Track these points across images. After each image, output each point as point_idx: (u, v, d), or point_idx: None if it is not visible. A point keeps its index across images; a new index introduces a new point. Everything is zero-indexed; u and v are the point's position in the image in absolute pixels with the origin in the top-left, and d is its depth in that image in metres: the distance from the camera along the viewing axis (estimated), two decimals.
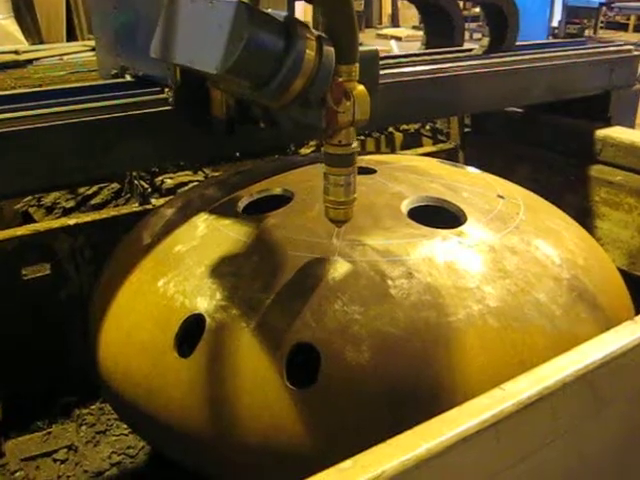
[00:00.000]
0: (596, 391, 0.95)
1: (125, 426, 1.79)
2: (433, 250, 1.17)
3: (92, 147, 1.30)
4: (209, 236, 1.27)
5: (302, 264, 1.14)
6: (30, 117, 1.23)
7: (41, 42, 5.69)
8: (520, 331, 1.10)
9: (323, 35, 1.01)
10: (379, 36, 11.68)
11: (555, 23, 10.63)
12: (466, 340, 1.06)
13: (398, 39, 10.67)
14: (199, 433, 1.07)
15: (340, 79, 1.03)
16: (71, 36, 6.08)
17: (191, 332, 1.12)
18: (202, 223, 1.31)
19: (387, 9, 14.33)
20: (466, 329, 1.07)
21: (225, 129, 1.35)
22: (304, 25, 1.00)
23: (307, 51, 0.98)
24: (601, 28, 11.57)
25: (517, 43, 2.03)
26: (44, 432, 1.79)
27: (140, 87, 1.37)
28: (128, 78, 1.46)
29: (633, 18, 12.49)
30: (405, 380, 1.02)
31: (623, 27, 12.63)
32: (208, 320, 1.10)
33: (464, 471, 0.80)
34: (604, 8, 11.14)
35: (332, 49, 1.01)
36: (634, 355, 0.97)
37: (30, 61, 3.52)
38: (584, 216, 2.08)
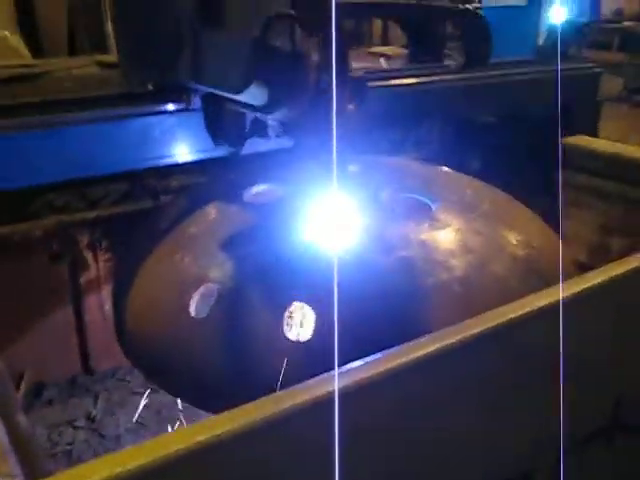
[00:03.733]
0: (519, 341, 1.14)
1: (139, 398, 1.99)
2: (408, 230, 1.39)
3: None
4: (220, 220, 1.49)
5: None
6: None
7: (44, 58, 5.87)
8: (480, 296, 1.32)
9: None
10: (370, 54, 11.97)
11: (542, 42, 10.98)
12: (435, 301, 1.28)
13: (387, 56, 10.94)
14: (216, 382, 1.29)
15: None
16: (72, 52, 6.25)
17: (205, 296, 1.33)
18: (213, 210, 1.53)
19: (378, 29, 14.64)
20: (435, 293, 1.29)
21: (238, 143, 1.58)
22: (313, 52, 1.21)
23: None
24: (586, 47, 11.87)
25: (500, 60, 2.26)
26: (65, 404, 2.00)
27: (162, 95, 1.59)
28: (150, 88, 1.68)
29: (617, 38, 12.82)
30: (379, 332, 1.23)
31: (607, 46, 12.95)
32: (219, 286, 1.32)
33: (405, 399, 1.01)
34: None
35: None
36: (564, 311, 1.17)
37: (39, 75, 3.72)
38: (550, 215, 2.30)
